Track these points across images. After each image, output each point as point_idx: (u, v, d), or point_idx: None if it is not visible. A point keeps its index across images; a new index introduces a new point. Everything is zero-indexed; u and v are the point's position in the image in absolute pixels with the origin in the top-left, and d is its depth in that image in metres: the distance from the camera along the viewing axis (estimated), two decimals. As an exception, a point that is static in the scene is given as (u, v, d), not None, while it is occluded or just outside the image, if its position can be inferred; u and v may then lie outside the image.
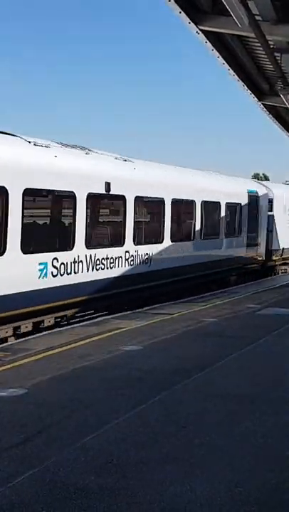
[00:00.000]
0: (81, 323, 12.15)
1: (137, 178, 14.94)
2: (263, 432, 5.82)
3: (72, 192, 12.37)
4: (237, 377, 7.79)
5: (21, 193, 10.78)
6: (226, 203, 19.85)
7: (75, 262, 12.27)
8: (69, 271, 12.06)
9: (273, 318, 12.64)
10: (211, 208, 18.98)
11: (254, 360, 8.87)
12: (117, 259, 13.82)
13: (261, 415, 6.30)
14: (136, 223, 14.63)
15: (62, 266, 11.89)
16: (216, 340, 10.20)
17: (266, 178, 54.44)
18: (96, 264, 12.97)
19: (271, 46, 12.97)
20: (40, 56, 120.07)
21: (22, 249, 10.79)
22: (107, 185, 13.44)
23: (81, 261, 12.47)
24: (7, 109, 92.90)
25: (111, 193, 13.66)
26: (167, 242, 16.20)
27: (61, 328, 11.74)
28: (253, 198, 22.36)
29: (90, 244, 12.80)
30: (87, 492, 4.46)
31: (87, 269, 12.68)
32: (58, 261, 11.76)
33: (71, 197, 12.36)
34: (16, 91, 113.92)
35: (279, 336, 10.69)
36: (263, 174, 66.97)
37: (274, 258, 25.21)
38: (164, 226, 16.10)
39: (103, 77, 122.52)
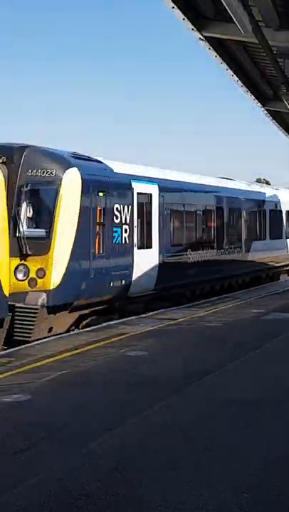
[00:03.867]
0: (86, 329, 12.16)
1: None
2: (269, 437, 5.80)
3: None
4: (242, 383, 7.78)
5: None
6: None
7: None
8: None
9: (278, 323, 12.61)
10: None
11: (259, 365, 8.86)
12: None
13: (267, 420, 6.29)
14: None
15: None
16: (220, 345, 10.18)
17: (267, 183, 54.32)
18: None
19: (274, 52, 13.01)
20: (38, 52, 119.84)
21: None
22: None
23: None
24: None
25: None
26: None
27: (66, 334, 11.75)
28: None
29: None
30: (92, 498, 4.46)
31: None
32: None
33: None
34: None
35: (284, 341, 10.67)
36: (264, 179, 66.95)
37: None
38: None
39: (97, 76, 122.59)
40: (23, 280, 11.57)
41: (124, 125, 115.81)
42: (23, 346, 10.68)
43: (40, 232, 11.89)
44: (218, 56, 13.87)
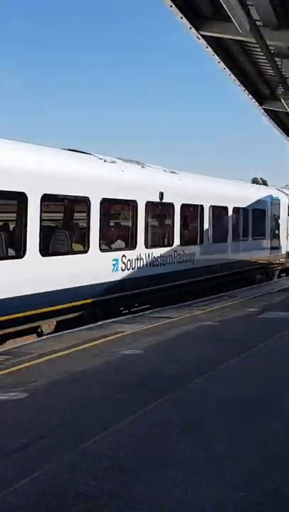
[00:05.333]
0: (82, 327, 12.16)
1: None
2: (265, 436, 5.82)
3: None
4: (239, 381, 7.80)
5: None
6: None
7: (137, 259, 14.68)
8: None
9: (274, 321, 12.64)
10: None
11: (255, 364, 8.88)
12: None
13: (263, 419, 6.30)
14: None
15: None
16: (217, 344, 10.20)
17: (264, 183, 54.29)
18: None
19: (272, 51, 13.01)
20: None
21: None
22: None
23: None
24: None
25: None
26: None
27: (63, 332, 11.75)
28: None
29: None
30: (88, 497, 4.47)
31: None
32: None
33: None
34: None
35: (280, 339, 10.70)
36: (261, 178, 66.98)
37: None
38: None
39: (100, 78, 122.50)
40: None
41: (123, 124, 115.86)
42: (21, 344, 10.70)
43: None
44: (215, 55, 13.87)
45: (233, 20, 10.24)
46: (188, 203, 17.67)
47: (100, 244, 13.36)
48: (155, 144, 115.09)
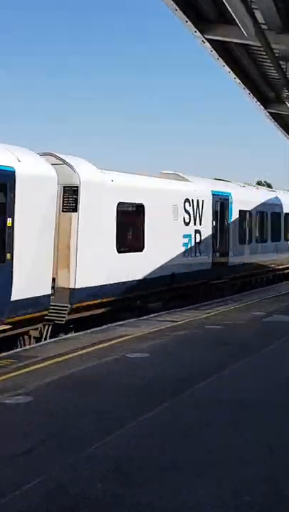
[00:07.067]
0: (87, 331, 12.17)
1: None
2: (269, 439, 5.80)
3: None
4: (243, 385, 7.78)
5: None
6: None
7: None
8: None
9: (279, 325, 12.62)
10: None
11: (260, 367, 8.86)
12: None
13: (268, 423, 6.29)
14: None
15: None
16: (221, 348, 10.19)
17: (269, 186, 54.15)
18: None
19: (277, 55, 13.01)
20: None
21: None
22: None
23: None
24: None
25: None
26: None
27: (67, 336, 11.78)
28: None
29: None
30: (92, 500, 4.47)
31: None
32: None
33: None
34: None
35: (285, 343, 10.68)
36: (265, 182, 66.84)
37: None
38: None
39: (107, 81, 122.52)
40: None
41: (127, 125, 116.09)
42: (25, 348, 10.71)
43: None
44: (220, 58, 13.90)
45: (238, 24, 10.28)
46: None
47: None
48: (152, 146, 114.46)
